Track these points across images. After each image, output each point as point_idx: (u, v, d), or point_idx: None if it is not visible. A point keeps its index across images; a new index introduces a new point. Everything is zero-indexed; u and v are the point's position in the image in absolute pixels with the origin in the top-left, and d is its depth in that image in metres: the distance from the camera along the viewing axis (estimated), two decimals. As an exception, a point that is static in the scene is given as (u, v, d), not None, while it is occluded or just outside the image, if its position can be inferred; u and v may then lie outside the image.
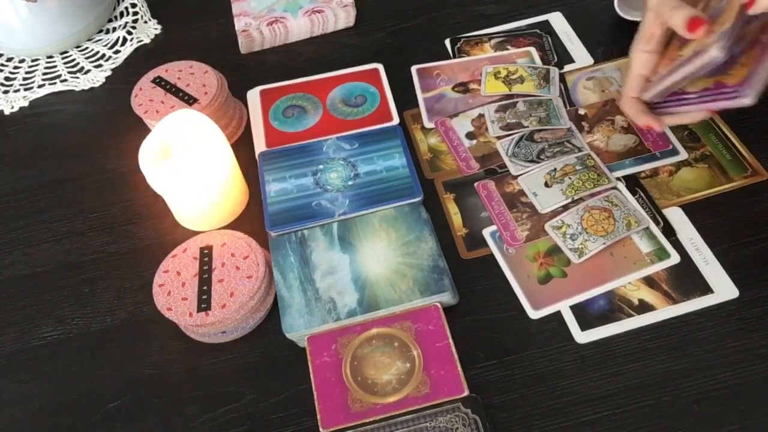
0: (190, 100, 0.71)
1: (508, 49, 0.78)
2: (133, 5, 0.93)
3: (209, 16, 0.89)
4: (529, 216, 0.63)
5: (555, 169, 0.66)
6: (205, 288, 0.59)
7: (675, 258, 0.59)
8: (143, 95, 0.73)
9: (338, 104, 0.75)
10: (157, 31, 0.90)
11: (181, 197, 0.64)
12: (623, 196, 0.63)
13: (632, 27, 0.73)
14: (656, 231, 0.61)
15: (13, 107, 0.83)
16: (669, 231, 0.61)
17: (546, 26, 0.80)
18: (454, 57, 0.79)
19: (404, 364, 0.55)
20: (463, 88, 0.75)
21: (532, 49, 0.77)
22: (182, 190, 0.63)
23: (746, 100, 0.53)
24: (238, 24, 0.84)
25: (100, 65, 0.86)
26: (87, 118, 0.81)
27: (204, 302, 0.58)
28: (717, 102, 0.56)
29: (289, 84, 0.78)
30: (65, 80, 0.85)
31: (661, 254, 0.59)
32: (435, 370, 0.54)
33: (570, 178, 0.65)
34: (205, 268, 0.60)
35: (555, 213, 0.63)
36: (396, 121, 0.72)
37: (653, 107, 0.62)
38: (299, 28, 0.83)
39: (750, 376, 0.53)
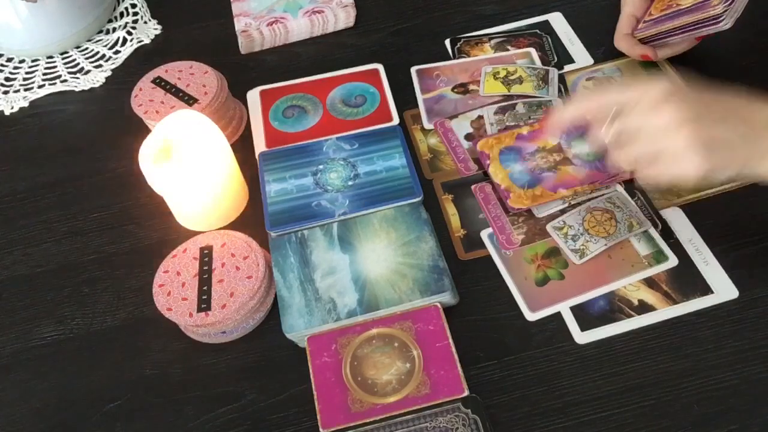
0: (190, 101, 0.71)
1: (508, 49, 0.78)
2: (133, 5, 0.93)
3: (209, 16, 0.89)
4: (525, 220, 0.63)
5: (555, 170, 0.66)
6: (205, 288, 0.59)
7: (673, 261, 0.59)
8: (143, 95, 0.73)
9: (338, 104, 0.75)
10: (157, 32, 0.90)
11: (181, 197, 0.64)
12: (625, 197, 0.63)
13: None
14: (654, 234, 0.60)
15: (13, 107, 0.83)
16: (668, 233, 0.61)
17: (546, 26, 0.80)
18: (454, 57, 0.79)
19: (404, 364, 0.55)
20: (462, 89, 0.75)
21: (532, 50, 0.77)
22: (182, 190, 0.63)
23: (725, 25, 0.61)
24: (238, 24, 0.84)
25: (100, 65, 0.86)
26: (87, 118, 0.81)
27: (204, 302, 0.58)
28: (700, 29, 0.64)
29: (289, 84, 0.78)
30: (65, 80, 0.85)
31: (659, 257, 0.59)
32: (435, 370, 0.54)
33: (570, 179, 0.65)
34: (205, 268, 0.60)
35: (552, 217, 0.63)
36: (396, 121, 0.72)
37: (643, 41, 0.71)
38: (299, 28, 0.83)
39: (750, 376, 0.53)
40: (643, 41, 0.71)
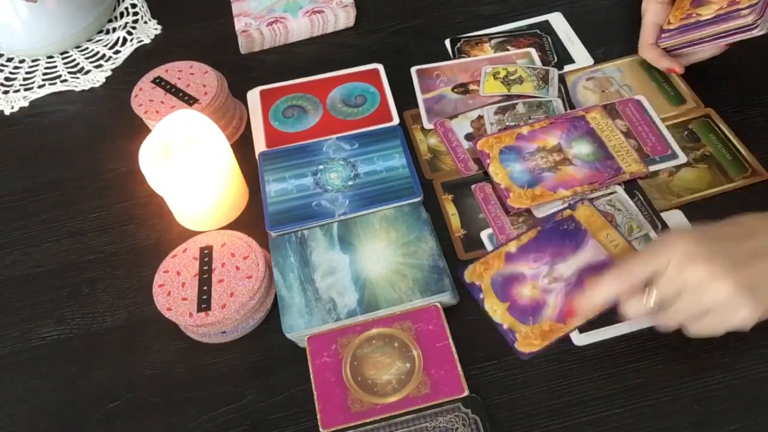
0: (190, 100, 0.71)
1: (508, 49, 0.78)
2: (133, 5, 0.93)
3: (209, 16, 0.89)
4: (525, 220, 0.63)
5: (555, 170, 0.66)
6: (205, 288, 0.59)
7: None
8: (143, 95, 0.73)
9: (338, 104, 0.75)
10: (157, 31, 0.90)
11: (181, 197, 0.64)
12: (626, 198, 0.63)
13: (632, 28, 0.74)
14: (655, 236, 0.60)
15: (13, 107, 0.83)
16: (668, 232, 0.61)
17: (546, 26, 0.80)
18: (454, 57, 0.79)
19: (404, 364, 0.55)
20: (462, 89, 0.75)
21: (532, 50, 0.77)
22: (182, 190, 0.63)
23: (759, 32, 0.59)
24: (238, 24, 0.84)
25: (100, 65, 0.86)
26: (87, 118, 0.81)
27: (204, 302, 0.58)
28: (732, 36, 0.62)
29: (289, 84, 0.78)
30: (65, 80, 0.85)
31: (660, 257, 0.59)
32: (435, 370, 0.54)
33: (570, 179, 0.65)
34: (205, 268, 0.60)
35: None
36: (396, 121, 0.72)
37: (669, 49, 0.70)
38: (299, 28, 0.83)
39: (750, 376, 0.53)
40: (669, 49, 0.70)
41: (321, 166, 0.68)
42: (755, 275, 0.47)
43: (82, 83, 0.85)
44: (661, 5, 0.70)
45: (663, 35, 0.69)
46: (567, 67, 0.75)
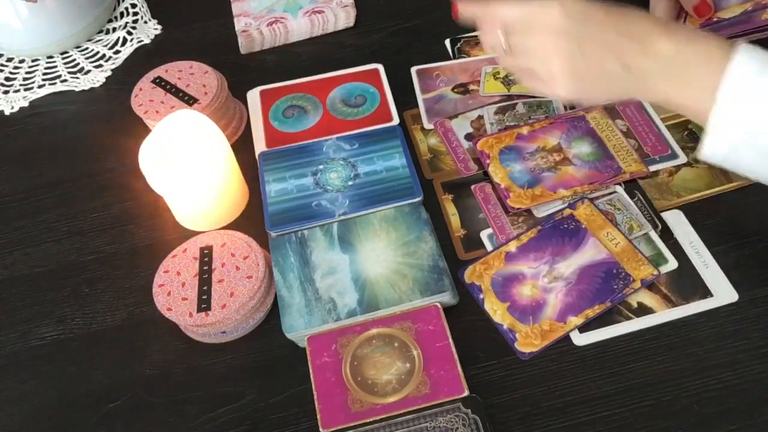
0: (190, 101, 0.71)
1: (508, 49, 0.78)
2: (133, 5, 0.93)
3: (209, 16, 0.89)
4: (525, 220, 0.63)
5: (555, 170, 0.66)
6: (205, 288, 0.59)
7: (673, 264, 0.59)
8: (143, 95, 0.73)
9: (338, 104, 0.75)
10: (157, 31, 0.90)
11: (181, 197, 0.64)
12: (626, 198, 0.63)
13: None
14: (655, 236, 0.60)
15: (13, 107, 0.83)
16: (667, 234, 0.61)
17: (546, 27, 0.80)
18: (454, 57, 0.79)
19: (404, 364, 0.55)
20: (462, 89, 0.75)
21: (532, 50, 0.77)
22: (182, 190, 0.63)
23: None
24: (238, 24, 0.84)
25: (100, 65, 0.86)
26: (87, 118, 0.81)
27: (204, 302, 0.58)
28: (745, 36, 0.63)
29: (289, 84, 0.78)
30: (65, 80, 0.85)
31: (659, 260, 0.59)
32: (435, 370, 0.54)
33: (570, 179, 0.65)
34: (205, 268, 0.60)
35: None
36: (396, 121, 0.72)
37: None
38: (299, 28, 0.83)
39: (750, 376, 0.53)
40: None
41: (321, 166, 0.68)
42: (589, 68, 0.50)
43: (82, 83, 0.85)
44: (669, 1, 0.68)
45: None
46: (567, 67, 0.75)
